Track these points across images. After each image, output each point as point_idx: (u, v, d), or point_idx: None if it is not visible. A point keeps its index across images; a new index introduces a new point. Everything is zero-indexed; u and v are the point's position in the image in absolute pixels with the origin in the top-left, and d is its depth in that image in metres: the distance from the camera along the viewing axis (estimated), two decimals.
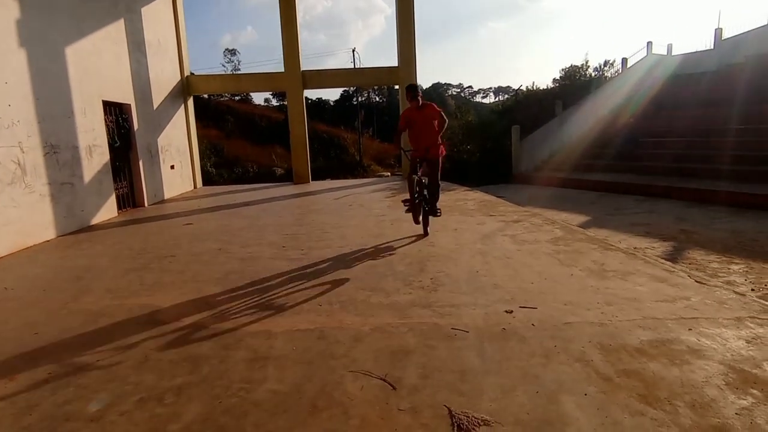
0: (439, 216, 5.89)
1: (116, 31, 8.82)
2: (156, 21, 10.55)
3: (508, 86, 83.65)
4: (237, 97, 42.91)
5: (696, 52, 20.51)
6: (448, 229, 6.15)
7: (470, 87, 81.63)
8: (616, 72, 19.49)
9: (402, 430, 2.09)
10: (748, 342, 2.81)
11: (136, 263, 5.08)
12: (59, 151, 6.83)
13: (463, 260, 4.71)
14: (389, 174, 20.38)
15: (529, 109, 17.17)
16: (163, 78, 10.86)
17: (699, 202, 9.05)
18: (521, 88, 19.00)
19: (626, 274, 4.14)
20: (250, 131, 36.74)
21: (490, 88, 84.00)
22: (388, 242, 5.58)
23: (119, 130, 8.80)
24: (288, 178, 19.54)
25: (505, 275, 4.19)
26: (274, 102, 54.29)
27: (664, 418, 2.10)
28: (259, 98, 49.45)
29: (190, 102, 12.31)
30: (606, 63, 19.32)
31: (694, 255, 5.50)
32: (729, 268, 4.95)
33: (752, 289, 4.29)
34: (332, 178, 17.03)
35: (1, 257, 5.57)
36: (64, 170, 6.91)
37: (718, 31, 19.86)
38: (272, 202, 9.91)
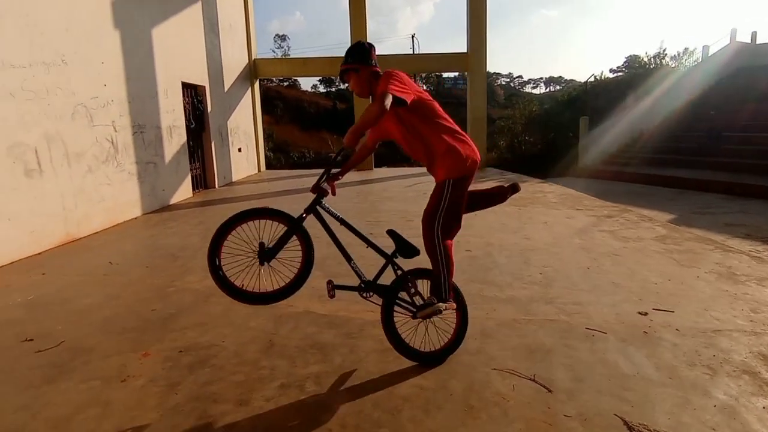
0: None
1: (194, 13, 8.93)
2: (227, 3, 10.64)
3: (560, 76, 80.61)
4: (285, 83, 43.47)
5: None
6: (536, 222, 5.85)
7: (520, 77, 79.17)
8: (695, 61, 18.15)
9: None
10: None
11: (225, 243, 5.08)
12: (145, 131, 6.99)
13: (566, 255, 4.43)
14: None
15: (596, 100, 16.30)
16: (233, 61, 10.98)
17: None
18: (591, 77, 18.04)
19: (762, 279, 3.74)
20: (299, 117, 37.26)
21: (541, 78, 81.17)
22: (476, 233, 5.36)
23: (194, 112, 8.96)
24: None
25: (620, 273, 3.89)
26: (322, 88, 54.70)
27: None
28: (306, 84, 49.94)
29: (257, 86, 12.43)
30: (685, 51, 17.99)
31: None
32: None
33: None
34: (387, 166, 16.85)
35: (97, 232, 5.76)
36: (148, 150, 7.07)
37: None
38: (340, 188, 9.81)
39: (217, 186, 9.70)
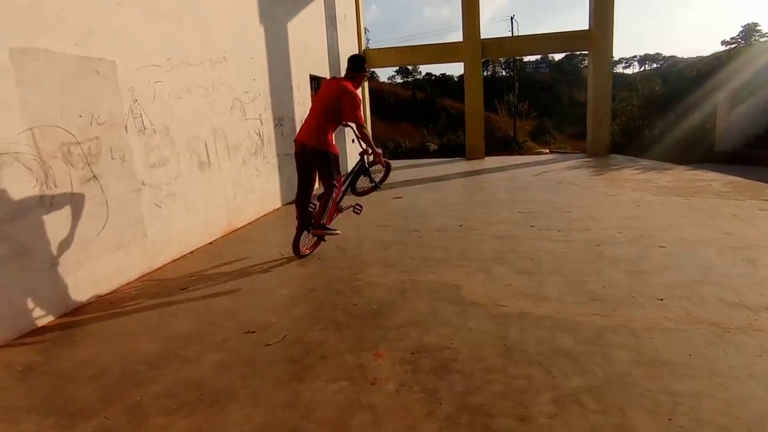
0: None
1: (317, 6, 9.00)
2: None
3: (657, 53, 73.17)
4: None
5: None
6: (723, 215, 5.09)
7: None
8: None
9: None
10: None
11: (386, 236, 4.99)
12: (283, 123, 7.13)
13: None
14: (548, 151, 18.92)
15: (737, 74, 14.30)
16: (348, 52, 10.98)
17: None
18: (729, 48, 15.82)
19: None
20: (380, 108, 37.39)
21: (635, 56, 74.14)
22: (654, 225, 4.75)
23: None
24: (441, 154, 19.22)
25: None
26: (398, 79, 54.47)
27: None
28: (383, 75, 50.03)
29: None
30: None
31: None
32: None
33: None
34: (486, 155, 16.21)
35: (250, 223, 5.95)
36: (286, 142, 7.21)
37: None
38: (462, 177, 9.51)
39: None
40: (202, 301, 3.42)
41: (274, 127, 6.84)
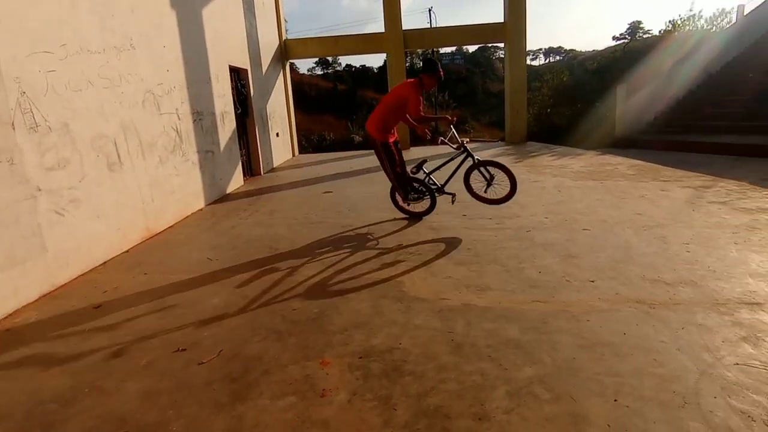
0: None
1: None
2: None
3: (560, 47, 78.85)
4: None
5: None
6: (633, 196, 5.52)
7: None
8: (728, 22, 17.48)
9: None
10: None
11: (320, 234, 4.81)
12: (203, 117, 6.64)
13: (699, 231, 4.11)
14: (468, 140, 19.53)
15: (630, 66, 15.72)
16: (268, 42, 10.54)
17: None
18: (624, 43, 17.46)
19: None
20: (301, 100, 36.59)
21: (540, 49, 79.34)
22: (577, 209, 5.03)
23: (239, 97, 8.57)
24: (366, 145, 19.14)
25: None
26: (318, 71, 53.72)
27: None
28: (303, 67, 49.17)
29: (288, 67, 11.98)
30: (721, 12, 17.26)
31: None
32: None
33: None
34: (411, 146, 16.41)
35: (171, 226, 5.47)
36: (207, 138, 6.74)
37: None
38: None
39: (262, 173, 9.38)
40: (120, 319, 3.04)
41: (193, 122, 6.34)
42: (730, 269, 3.23)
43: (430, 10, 38.74)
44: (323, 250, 4.26)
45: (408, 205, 5.04)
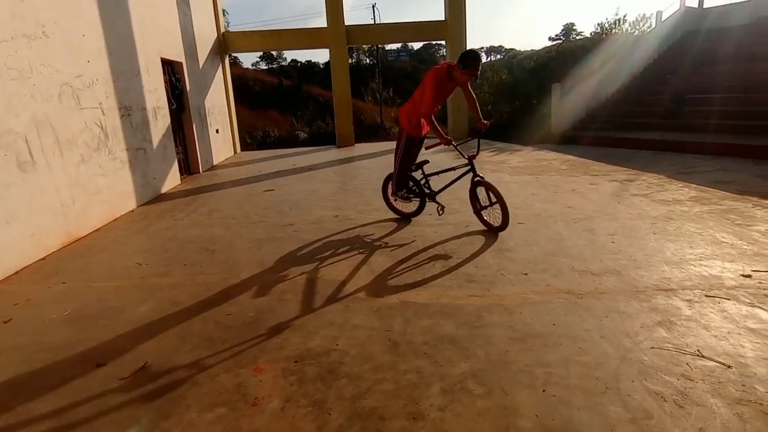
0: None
1: None
2: None
3: (500, 46, 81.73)
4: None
5: (729, 4, 19.78)
6: (565, 190, 5.79)
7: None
8: (649, 26, 18.75)
9: None
10: None
11: (259, 234, 4.66)
12: (132, 113, 6.24)
13: (622, 222, 4.37)
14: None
15: (564, 66, 16.49)
16: (204, 34, 10.08)
17: (764, 159, 8.63)
18: (558, 44, 18.35)
19: None
20: (245, 96, 35.51)
21: (482, 47, 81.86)
22: (512, 203, 5.20)
23: (173, 91, 8.14)
24: (311, 142, 18.88)
25: (690, 237, 3.86)
26: (263, 65, 52.45)
27: None
28: (246, 61, 47.91)
29: (227, 61, 11.54)
30: (642, 17, 18.47)
31: None
32: None
33: None
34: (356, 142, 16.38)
35: (97, 229, 5.11)
36: (137, 134, 6.34)
37: None
38: (335, 165, 9.41)
39: (201, 171, 8.98)
40: (32, 335, 2.79)
41: (121, 118, 5.94)
42: (648, 258, 3.45)
43: (373, 6, 38.60)
44: (261, 250, 4.13)
45: (395, 200, 4.79)
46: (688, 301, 2.77)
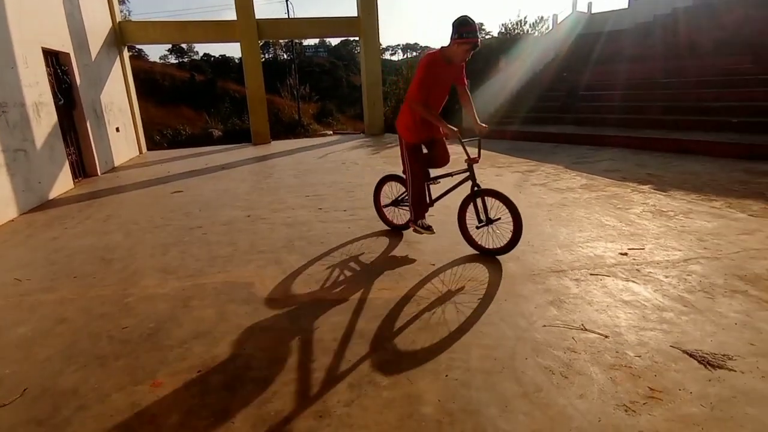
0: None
1: None
2: None
3: (416, 43, 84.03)
4: (130, 53, 38.31)
5: (612, 10, 21.86)
6: None
7: (379, 43, 79.30)
8: (546, 28, 20.23)
9: (661, 370, 2.03)
10: None
11: (164, 238, 4.38)
12: (7, 110, 5.54)
13: (523, 210, 4.68)
14: (332, 132, 19.67)
15: (473, 64, 17.30)
16: (96, 23, 9.20)
17: (644, 149, 9.71)
18: None
19: (686, 213, 4.39)
20: (153, 91, 33.12)
21: (398, 45, 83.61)
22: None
23: (60, 85, 7.36)
24: (226, 140, 18.10)
25: (580, 221, 4.24)
26: (173, 59, 49.37)
27: None
28: (154, 54, 44.77)
29: (126, 53, 10.65)
30: (540, 19, 19.86)
31: (691, 194, 5.97)
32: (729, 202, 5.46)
33: None
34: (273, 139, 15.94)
35: None
36: (15, 134, 5.65)
37: None
38: (249, 163, 9.08)
39: (99, 173, 8.23)
40: None
41: None
42: (544, 243, 3.73)
43: (287, 1, 37.61)
44: (166, 255, 3.88)
45: (423, 227, 3.73)
46: (576, 280, 3.04)
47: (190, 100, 31.88)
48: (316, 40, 55.26)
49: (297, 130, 19.92)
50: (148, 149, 12.12)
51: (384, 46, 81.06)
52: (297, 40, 37.60)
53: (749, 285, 2.85)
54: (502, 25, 23.51)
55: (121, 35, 10.41)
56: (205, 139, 17.08)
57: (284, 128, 20.40)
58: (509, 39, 18.31)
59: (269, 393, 2.05)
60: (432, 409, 1.91)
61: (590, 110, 13.62)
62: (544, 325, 2.50)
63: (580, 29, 19.90)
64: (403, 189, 3.69)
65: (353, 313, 2.75)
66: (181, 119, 26.53)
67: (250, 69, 11.38)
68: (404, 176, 3.80)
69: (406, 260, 3.52)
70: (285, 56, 50.06)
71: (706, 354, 2.18)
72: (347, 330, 2.56)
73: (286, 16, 26.49)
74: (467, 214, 3.61)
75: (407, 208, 3.86)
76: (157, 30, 11.00)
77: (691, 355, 2.18)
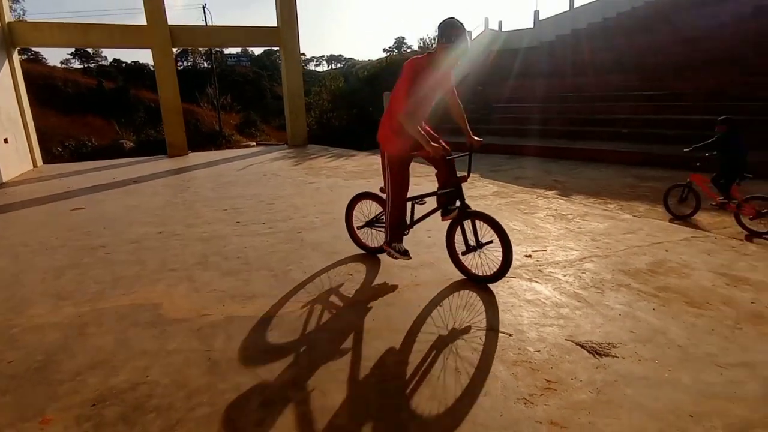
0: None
1: None
2: None
3: (341, 55, 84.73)
4: (24, 56, 34.80)
5: (520, 29, 23.57)
6: None
7: (303, 54, 78.19)
8: None
9: (556, 363, 2.20)
10: (708, 254, 3.60)
11: (59, 261, 4.00)
12: None
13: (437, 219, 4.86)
14: (255, 144, 19.17)
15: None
16: None
17: (552, 158, 10.56)
18: (389, 56, 19.76)
19: (583, 215, 4.81)
20: (53, 99, 30.26)
21: (323, 56, 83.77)
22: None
23: None
24: (139, 152, 16.99)
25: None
26: (77, 64, 45.56)
27: (715, 315, 2.64)
28: (54, 58, 41.12)
29: (17, 58, 9.63)
30: None
31: (589, 198, 6.58)
32: (629, 205, 6.09)
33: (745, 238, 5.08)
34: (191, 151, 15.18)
35: None
36: None
37: (536, 13, 23.16)
38: (164, 177, 8.58)
39: None
40: None
41: None
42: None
43: (204, 7, 35.93)
44: (61, 279, 3.55)
45: (399, 252, 3.35)
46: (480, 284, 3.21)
47: (99, 109, 29.49)
48: (239, 49, 53.66)
49: (218, 141, 19.18)
50: (45, 162, 11.04)
51: (308, 56, 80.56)
52: (217, 49, 36.18)
53: (631, 279, 3.19)
54: (421, 39, 24.54)
55: (11, 36, 9.42)
56: (114, 151, 15.85)
57: (204, 139, 19.56)
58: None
59: (173, 421, 1.94)
60: (344, 420, 1.92)
61: (504, 122, 14.50)
62: (454, 328, 2.62)
63: (492, 46, 21.22)
64: (380, 208, 3.35)
65: (268, 328, 2.69)
66: (87, 130, 24.46)
67: (163, 77, 10.79)
68: (381, 194, 3.47)
69: (323, 271, 3.52)
70: (205, 64, 48.10)
71: (595, 344, 2.40)
72: (260, 346, 2.50)
73: (204, 23, 25.51)
74: (455, 239, 3.26)
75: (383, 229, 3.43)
76: (55, 32, 10.07)
77: (582, 346, 2.39)
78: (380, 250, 3.62)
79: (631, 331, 2.51)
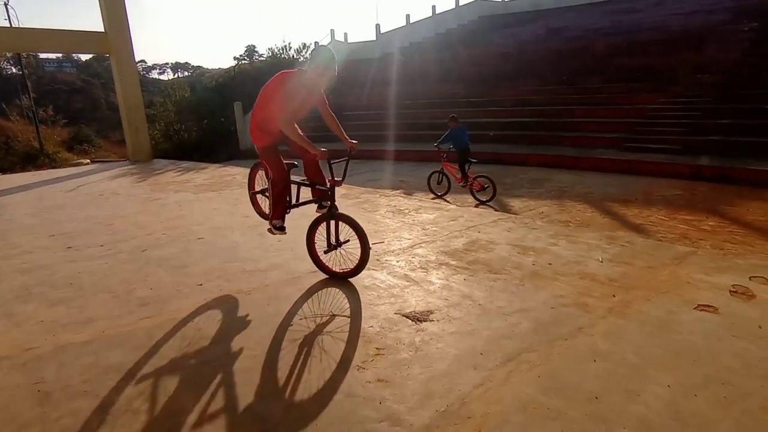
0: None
1: None
2: None
3: (187, 62, 79.30)
4: None
5: (365, 41, 24.87)
6: (244, 202, 6.22)
7: (143, 61, 70.83)
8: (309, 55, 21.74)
9: (386, 333, 2.61)
10: (509, 231, 4.47)
11: None
12: None
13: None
14: (89, 161, 17.01)
15: (243, 86, 17.34)
16: None
17: (398, 160, 11.54)
18: (238, 64, 19.14)
19: (417, 209, 5.48)
20: None
21: (167, 63, 77.49)
22: (195, 221, 5.31)
23: None
24: None
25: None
26: None
27: (507, 277, 3.35)
28: None
29: None
30: (304, 46, 21.14)
31: (428, 194, 7.45)
32: (454, 199, 7.05)
33: (475, 206, 6.33)
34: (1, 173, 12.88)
35: None
36: None
37: (378, 26, 24.70)
38: None
39: None
40: None
41: None
42: (305, 249, 4.17)
43: (6, 5, 29.21)
44: None
45: (275, 227, 3.62)
46: (327, 277, 3.53)
47: None
48: (60, 54, 46.50)
49: (39, 161, 16.50)
50: None
51: (149, 64, 73.45)
52: (25, 53, 30.87)
53: (450, 257, 3.81)
54: (269, 49, 24.37)
55: None
56: None
57: (20, 159, 16.72)
58: (277, 63, 18.99)
59: None
60: (194, 417, 2.04)
61: (355, 128, 15.24)
62: (302, 319, 2.87)
63: (340, 56, 22.07)
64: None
65: (108, 349, 2.62)
66: None
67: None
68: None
69: (172, 285, 3.48)
70: (13, 70, 40.77)
71: (417, 313, 2.88)
72: (100, 368, 2.44)
73: (9, 24, 21.69)
74: (316, 237, 3.55)
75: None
76: None
77: (407, 317, 2.84)
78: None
79: (446, 299, 3.05)
